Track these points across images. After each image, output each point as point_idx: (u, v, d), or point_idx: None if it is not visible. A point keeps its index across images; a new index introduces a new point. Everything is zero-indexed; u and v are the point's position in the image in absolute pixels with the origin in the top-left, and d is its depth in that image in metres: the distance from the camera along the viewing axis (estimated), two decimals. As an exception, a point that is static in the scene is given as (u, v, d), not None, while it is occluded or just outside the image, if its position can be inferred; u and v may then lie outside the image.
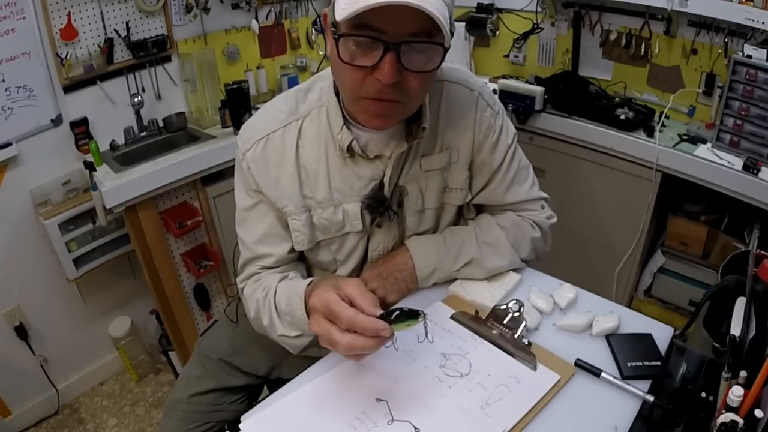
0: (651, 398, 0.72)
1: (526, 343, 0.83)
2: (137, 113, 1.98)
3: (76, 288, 1.98)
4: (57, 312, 1.98)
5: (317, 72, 2.38)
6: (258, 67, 2.28)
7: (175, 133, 2.05)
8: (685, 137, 1.80)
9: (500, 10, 2.29)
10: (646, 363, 0.78)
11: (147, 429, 2.01)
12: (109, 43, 1.85)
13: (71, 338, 2.05)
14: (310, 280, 0.86)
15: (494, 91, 1.68)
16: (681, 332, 0.86)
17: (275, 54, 2.35)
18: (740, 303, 0.77)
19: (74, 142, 1.84)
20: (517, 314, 0.86)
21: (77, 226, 1.84)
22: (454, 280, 0.98)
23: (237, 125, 1.95)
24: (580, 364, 0.79)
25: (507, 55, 2.40)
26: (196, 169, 1.85)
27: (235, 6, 2.14)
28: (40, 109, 1.75)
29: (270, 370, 1.12)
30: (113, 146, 1.94)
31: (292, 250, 0.96)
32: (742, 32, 1.70)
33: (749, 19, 1.58)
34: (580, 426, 0.71)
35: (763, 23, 1.55)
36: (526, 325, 0.85)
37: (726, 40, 1.76)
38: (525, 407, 0.73)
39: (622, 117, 1.88)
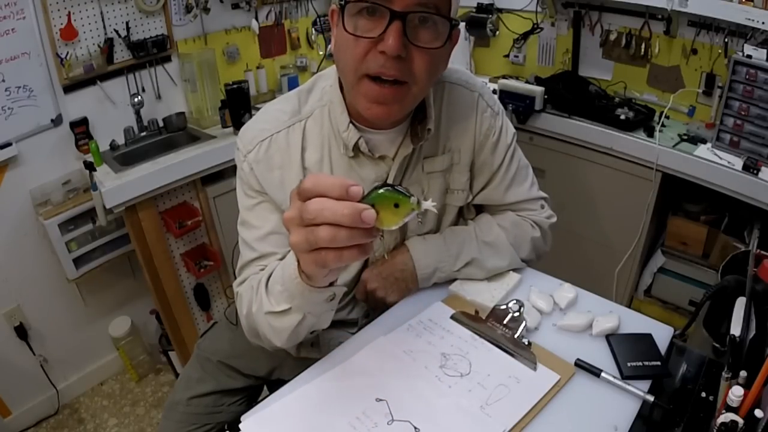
0: (651, 398, 0.72)
1: (526, 343, 0.83)
2: (137, 113, 1.98)
3: (76, 288, 1.98)
4: (57, 312, 1.98)
5: (317, 72, 2.40)
6: (258, 67, 2.28)
7: (175, 133, 2.05)
8: (685, 137, 1.80)
9: (500, 10, 2.29)
10: (646, 363, 0.78)
11: (147, 429, 2.01)
12: (109, 43, 1.85)
13: (71, 338, 2.05)
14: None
15: (494, 91, 1.69)
16: (681, 332, 0.86)
17: (275, 54, 2.35)
18: (740, 303, 0.77)
19: (74, 142, 1.84)
20: (517, 314, 0.86)
21: (77, 226, 1.84)
22: (454, 280, 0.98)
23: (237, 125, 1.95)
24: (580, 364, 0.79)
25: (507, 55, 2.40)
26: (196, 169, 1.85)
27: (235, 6, 2.14)
28: (40, 109, 1.75)
29: (270, 372, 1.12)
30: (113, 146, 1.94)
31: None
32: (742, 32, 1.70)
33: (749, 19, 1.58)
34: (580, 426, 0.71)
35: (763, 23, 1.55)
36: (526, 325, 0.85)
37: (726, 40, 1.76)
38: (525, 407, 0.73)
39: (622, 117, 1.88)
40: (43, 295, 1.92)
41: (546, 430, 0.71)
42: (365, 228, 0.55)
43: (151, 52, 1.95)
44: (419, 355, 0.82)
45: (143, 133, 2.01)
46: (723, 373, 0.68)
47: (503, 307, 0.88)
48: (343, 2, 0.71)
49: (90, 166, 1.75)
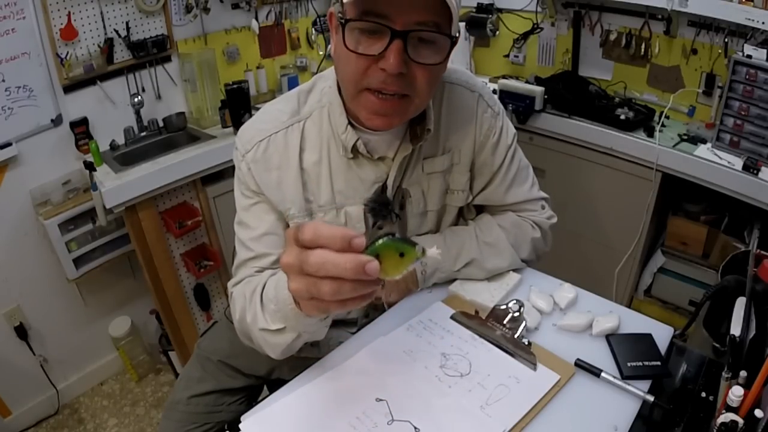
0: (651, 398, 0.72)
1: (526, 343, 0.83)
2: (137, 113, 1.98)
3: (76, 288, 1.97)
4: (57, 312, 1.98)
5: (317, 72, 2.40)
6: (258, 67, 2.28)
7: (175, 133, 2.05)
8: (685, 137, 1.80)
9: (500, 10, 2.29)
10: (646, 363, 0.78)
11: (147, 429, 2.01)
12: (109, 43, 1.85)
13: (71, 338, 2.05)
14: None
15: (494, 91, 1.69)
16: (681, 332, 0.86)
17: (275, 54, 2.35)
18: (740, 303, 0.77)
19: (74, 142, 1.84)
20: (517, 314, 0.86)
21: (77, 226, 1.84)
22: (454, 280, 0.98)
23: (237, 125, 1.95)
24: (580, 364, 0.79)
25: (507, 55, 2.40)
26: (196, 169, 1.85)
27: (235, 6, 2.14)
28: (40, 109, 1.75)
29: (270, 371, 1.12)
30: (113, 146, 1.94)
31: None
32: (742, 32, 1.70)
33: (749, 19, 1.58)
34: (580, 426, 0.71)
35: (763, 23, 1.55)
36: (526, 325, 0.85)
37: (726, 40, 1.76)
38: (525, 407, 0.73)
39: (622, 117, 1.88)
40: (43, 295, 1.92)
41: (546, 430, 0.71)
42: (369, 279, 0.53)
43: (151, 52, 1.95)
44: (419, 355, 0.82)
45: (143, 133, 2.01)
46: (723, 373, 0.68)
47: (503, 307, 0.88)
48: (343, 21, 0.71)
49: (90, 166, 1.75)
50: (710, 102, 1.87)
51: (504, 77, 2.26)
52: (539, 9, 2.19)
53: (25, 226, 1.81)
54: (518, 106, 2.03)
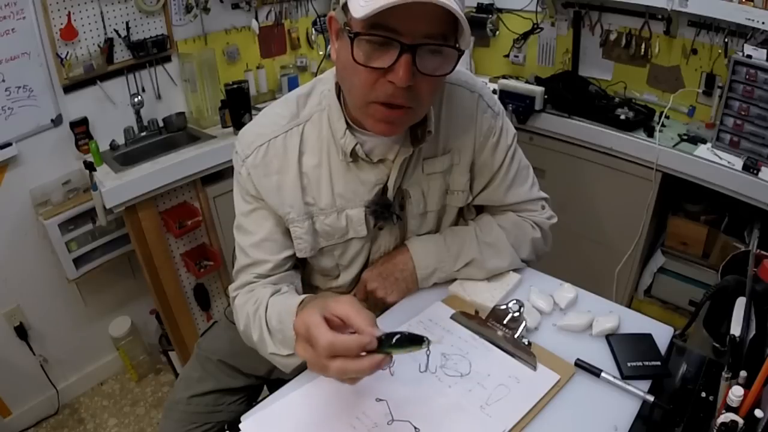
0: (651, 398, 0.72)
1: (526, 343, 0.83)
2: (137, 113, 1.98)
3: (76, 288, 1.97)
4: (57, 312, 1.98)
5: (317, 72, 2.40)
6: (258, 67, 2.28)
7: (175, 133, 2.05)
8: (685, 137, 1.80)
9: (500, 10, 2.29)
10: (646, 363, 0.78)
11: (147, 429, 2.01)
12: (109, 43, 1.85)
13: (71, 338, 2.05)
14: (302, 297, 0.81)
15: (494, 91, 1.69)
16: (681, 332, 0.86)
17: (275, 54, 2.35)
18: (740, 303, 0.77)
19: (74, 142, 1.84)
20: (517, 314, 0.86)
21: (77, 226, 1.84)
22: (454, 280, 0.98)
23: (237, 125, 1.95)
24: (580, 364, 0.79)
25: (507, 55, 2.40)
26: (196, 169, 1.85)
27: (235, 6, 2.14)
28: (40, 109, 1.75)
29: (270, 371, 1.12)
30: (113, 146, 1.94)
31: (290, 258, 0.94)
32: (742, 32, 1.70)
33: (749, 19, 1.58)
34: (580, 426, 0.71)
35: (763, 23, 1.55)
36: (526, 325, 0.85)
37: (726, 40, 1.76)
38: (525, 407, 0.73)
39: (622, 117, 1.88)
40: (43, 295, 1.92)
41: (546, 430, 0.71)
42: None
43: (151, 52, 1.95)
44: (419, 355, 0.82)
45: (143, 133, 2.01)
46: (723, 373, 0.68)
47: (503, 307, 0.88)
48: (352, 35, 0.70)
49: (90, 166, 1.75)
50: (710, 102, 1.87)
51: (504, 77, 2.26)
52: (539, 9, 2.18)
53: (25, 226, 1.81)
54: (518, 106, 2.03)
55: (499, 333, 0.84)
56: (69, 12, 1.73)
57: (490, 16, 2.20)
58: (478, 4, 2.27)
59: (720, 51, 1.80)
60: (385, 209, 0.92)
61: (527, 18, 2.24)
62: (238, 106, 1.95)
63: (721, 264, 1.12)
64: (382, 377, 0.78)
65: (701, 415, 0.72)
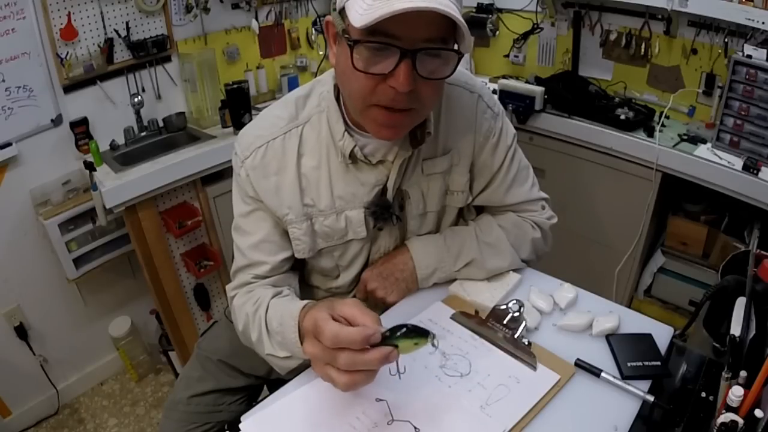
0: (651, 398, 0.72)
1: (526, 343, 0.83)
2: (137, 113, 1.98)
3: (76, 288, 1.98)
4: (57, 312, 1.98)
5: (317, 72, 2.40)
6: (258, 67, 2.28)
7: (175, 133, 2.05)
8: (685, 137, 1.80)
9: (500, 10, 2.29)
10: (646, 363, 0.78)
11: (147, 429, 2.01)
12: (109, 43, 1.85)
13: (71, 338, 2.05)
14: (305, 303, 0.80)
15: (494, 92, 1.69)
16: (681, 332, 0.86)
17: (275, 54, 2.35)
18: (740, 303, 0.77)
19: (74, 142, 1.84)
20: (517, 314, 0.86)
21: (77, 226, 1.84)
22: (454, 280, 0.98)
23: (237, 125, 1.95)
24: (580, 364, 0.79)
25: (507, 55, 2.40)
26: (196, 169, 1.85)
27: (235, 6, 2.14)
28: (40, 109, 1.75)
29: (270, 371, 1.11)
30: (113, 146, 1.94)
31: (288, 260, 0.94)
32: (742, 32, 1.70)
33: (749, 19, 1.58)
34: (580, 426, 0.71)
35: (763, 23, 1.55)
36: (526, 325, 0.85)
37: (726, 40, 1.76)
38: (525, 407, 0.73)
39: (622, 117, 1.88)
40: (43, 295, 1.92)
41: (546, 430, 0.71)
42: None
43: (151, 52, 1.95)
44: (419, 355, 0.82)
45: (143, 133, 2.01)
46: (723, 373, 0.68)
47: (503, 307, 0.88)
48: (351, 42, 0.70)
49: (90, 166, 1.75)
50: (710, 102, 1.87)
51: (504, 77, 2.26)
52: (539, 9, 2.18)
53: (25, 226, 1.81)
54: (518, 106, 2.03)
55: (499, 333, 0.84)
56: (69, 12, 1.73)
57: (490, 16, 2.20)
58: (478, 4, 2.27)
59: (720, 51, 1.80)
60: (385, 210, 0.92)
61: (527, 18, 2.24)
62: (238, 106, 1.95)
63: (721, 264, 1.12)
64: (382, 376, 0.78)
65: (701, 415, 0.72)
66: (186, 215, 1.90)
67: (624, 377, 0.77)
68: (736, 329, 0.73)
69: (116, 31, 1.86)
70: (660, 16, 1.89)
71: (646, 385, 0.76)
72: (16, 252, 1.81)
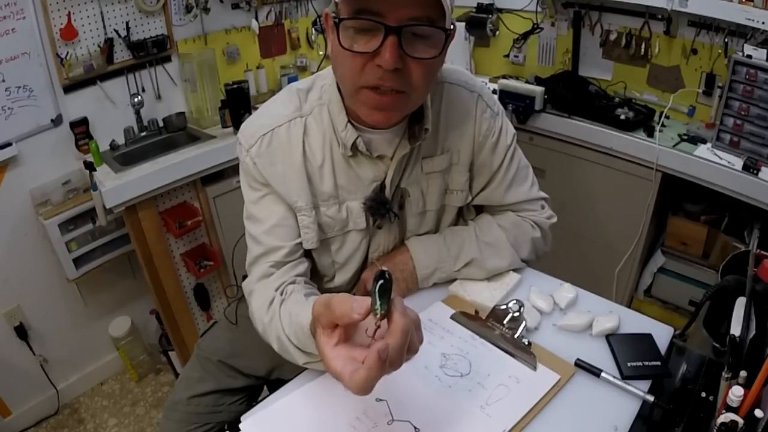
0: (651, 398, 0.72)
1: (526, 343, 0.83)
2: (137, 113, 1.98)
3: (76, 288, 1.98)
4: (57, 312, 1.98)
5: (317, 72, 2.40)
6: (258, 67, 2.28)
7: (175, 133, 2.05)
8: (685, 137, 1.80)
9: (500, 10, 2.29)
10: (646, 363, 0.78)
11: (147, 429, 2.01)
12: (109, 43, 1.85)
13: (71, 338, 2.05)
14: (310, 318, 0.71)
15: (494, 91, 1.69)
16: (681, 332, 0.86)
17: (275, 54, 2.35)
18: (740, 303, 0.77)
19: (74, 142, 1.84)
20: (517, 314, 0.86)
21: (77, 226, 1.84)
22: (454, 280, 0.98)
23: (237, 125, 1.95)
24: (580, 364, 0.79)
25: (507, 55, 2.40)
26: (196, 169, 1.85)
27: (235, 6, 2.14)
28: (40, 109, 1.75)
29: (270, 371, 1.12)
30: (113, 146, 1.94)
31: (301, 244, 0.92)
32: (742, 32, 1.70)
33: (749, 19, 1.58)
34: (580, 426, 0.71)
35: (763, 23, 1.55)
36: (526, 325, 0.85)
37: (726, 40, 1.76)
38: (525, 407, 0.73)
39: (622, 117, 1.88)
40: (43, 295, 1.92)
41: (546, 430, 0.71)
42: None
43: (151, 52, 1.95)
44: (419, 355, 0.81)
45: (143, 133, 2.01)
46: (723, 373, 0.68)
47: (503, 307, 0.88)
48: (337, 20, 0.71)
49: (90, 166, 1.75)
50: (710, 102, 1.87)
51: (504, 77, 2.26)
52: (539, 9, 2.18)
53: (25, 226, 1.81)
54: (518, 106, 2.03)
55: (499, 333, 0.84)
56: (69, 12, 1.73)
57: (490, 16, 2.20)
58: (478, 4, 2.26)
59: (720, 51, 1.80)
60: (382, 206, 0.92)
61: (527, 18, 2.24)
62: (238, 106, 1.95)
63: (721, 264, 1.12)
64: (383, 377, 0.78)
65: (701, 415, 0.72)
66: (186, 215, 1.90)
67: (624, 377, 0.77)
68: (736, 329, 0.73)
69: (116, 31, 1.86)
70: (660, 16, 1.88)
71: (646, 385, 0.76)
72: (16, 252, 1.81)
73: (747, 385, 0.63)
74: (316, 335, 0.67)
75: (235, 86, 1.93)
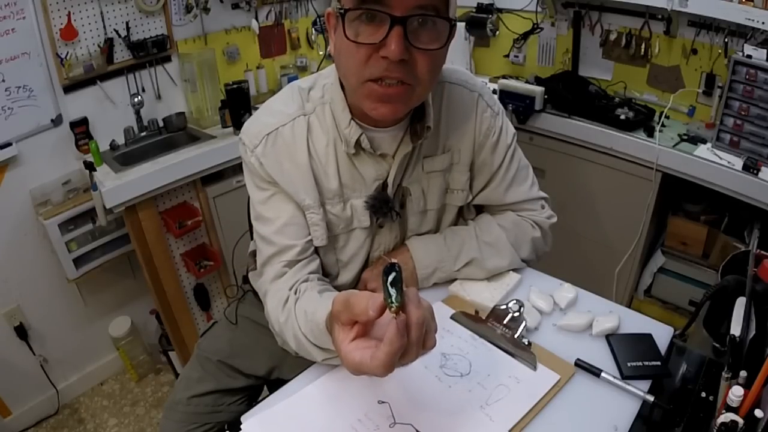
0: (651, 398, 0.72)
1: (526, 343, 0.83)
2: (137, 113, 1.98)
3: (76, 288, 1.98)
4: (57, 312, 1.98)
5: (318, 71, 2.40)
6: (258, 67, 2.28)
7: (175, 133, 2.05)
8: (685, 137, 1.80)
9: (500, 10, 2.29)
10: (646, 363, 0.78)
11: (147, 429, 2.01)
12: (109, 43, 1.85)
13: (71, 338, 2.05)
14: (326, 313, 0.71)
15: (494, 91, 1.69)
16: (681, 332, 0.86)
17: (275, 54, 2.35)
18: (740, 303, 0.77)
19: (74, 142, 1.84)
20: (517, 314, 0.86)
21: (77, 226, 1.84)
22: (454, 280, 0.98)
23: (237, 125, 1.95)
24: (580, 364, 0.79)
25: (507, 55, 2.40)
26: (196, 169, 1.85)
27: (235, 6, 2.14)
28: (40, 109, 1.75)
29: (270, 371, 1.12)
30: (113, 146, 1.94)
31: (311, 242, 0.91)
32: (742, 32, 1.70)
33: (749, 19, 1.58)
34: (580, 426, 0.71)
35: (763, 23, 1.55)
36: (526, 325, 0.85)
37: (726, 40, 1.76)
38: (525, 407, 0.73)
39: (622, 117, 1.88)
40: (43, 295, 1.92)
41: (546, 430, 0.71)
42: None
43: (151, 52, 1.95)
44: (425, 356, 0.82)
45: (143, 133, 2.01)
46: (723, 373, 0.68)
47: (503, 307, 0.88)
48: (342, 11, 0.71)
49: (90, 166, 1.75)
50: (710, 102, 1.87)
51: (504, 77, 2.26)
52: (539, 9, 2.18)
53: (25, 226, 1.80)
54: (518, 106, 2.03)
55: (499, 333, 0.84)
56: (69, 12, 1.73)
57: (490, 16, 2.20)
58: (478, 4, 2.26)
59: (720, 51, 1.80)
60: (384, 204, 0.92)
61: (527, 18, 2.24)
62: (238, 106, 1.94)
63: (721, 264, 1.12)
64: (383, 378, 0.78)
65: (701, 415, 0.72)
66: (186, 215, 1.90)
67: (624, 377, 0.77)
68: (736, 329, 0.73)
69: (116, 31, 1.86)
70: (660, 16, 1.88)
71: (646, 385, 0.76)
72: (16, 252, 1.81)
73: (747, 385, 0.63)
74: (332, 331, 0.66)
75: (235, 86, 1.93)
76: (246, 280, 1.17)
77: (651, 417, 0.73)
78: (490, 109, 0.96)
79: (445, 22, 0.73)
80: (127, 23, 1.87)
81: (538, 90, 1.99)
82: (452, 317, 0.90)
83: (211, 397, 1.09)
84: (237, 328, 1.16)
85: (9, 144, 1.68)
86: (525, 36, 2.27)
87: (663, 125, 1.87)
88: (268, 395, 0.82)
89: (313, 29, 2.42)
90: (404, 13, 0.69)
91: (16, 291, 1.85)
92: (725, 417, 0.61)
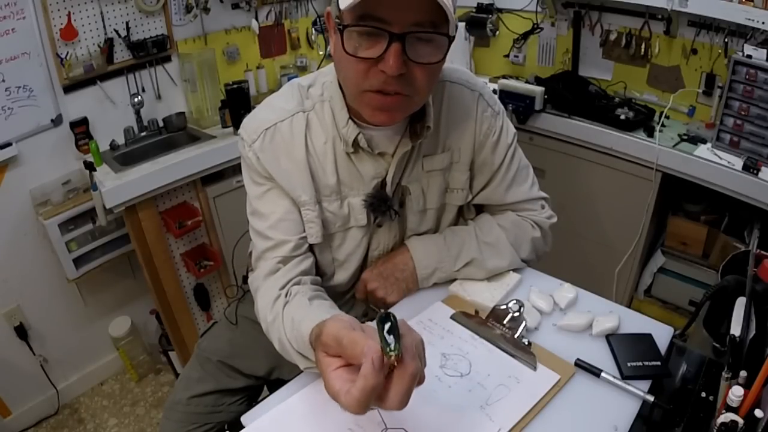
0: (651, 398, 0.72)
1: (526, 343, 0.83)
2: (137, 113, 1.98)
3: (76, 288, 1.98)
4: (57, 312, 1.98)
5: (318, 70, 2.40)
6: (258, 67, 2.28)
7: (175, 133, 2.05)
8: (685, 137, 1.80)
9: (500, 10, 2.29)
10: (646, 363, 0.78)
11: (147, 429, 2.01)
12: (109, 43, 1.85)
13: (71, 338, 2.05)
14: (312, 326, 0.70)
15: (494, 91, 1.68)
16: (681, 332, 0.86)
17: (275, 54, 2.35)
18: (740, 303, 0.77)
19: (74, 142, 1.84)
20: (517, 314, 0.86)
21: (77, 226, 1.84)
22: (454, 280, 0.98)
23: (237, 125, 1.92)
24: (580, 364, 0.79)
25: (507, 55, 2.40)
26: (196, 169, 1.85)
27: (235, 6, 2.14)
28: (40, 109, 1.75)
29: (270, 372, 1.12)
30: (113, 146, 1.94)
31: (306, 238, 0.91)
32: (742, 32, 1.70)
33: (749, 19, 1.58)
34: (580, 426, 0.71)
35: (763, 23, 1.55)
36: (526, 325, 0.85)
37: (726, 40, 1.76)
38: (525, 407, 0.73)
39: (622, 117, 1.88)
40: (43, 295, 1.92)
41: (546, 430, 0.71)
42: None
43: (151, 52, 1.95)
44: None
45: (143, 133, 2.01)
46: (723, 373, 0.68)
47: (503, 307, 0.88)
48: (341, 27, 0.71)
49: (90, 166, 1.75)
50: (710, 102, 1.87)
51: (504, 77, 2.26)
52: (539, 9, 2.18)
53: (25, 226, 1.80)
54: (518, 106, 2.03)
55: (499, 333, 0.84)
56: (69, 12, 1.73)
57: (490, 16, 2.20)
58: (478, 4, 2.27)
59: (720, 51, 1.80)
60: (382, 203, 0.92)
61: (527, 18, 2.24)
62: (238, 106, 1.95)
63: (721, 264, 1.12)
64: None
65: (701, 415, 0.72)
66: (186, 215, 1.90)
67: (624, 377, 0.77)
68: (736, 329, 0.73)
69: (116, 31, 1.86)
70: (660, 16, 1.89)
71: (646, 385, 0.76)
72: (16, 252, 1.81)
73: (747, 385, 0.63)
74: (316, 350, 0.66)
75: (235, 86, 1.93)
76: (246, 280, 1.17)
77: (651, 417, 0.73)
78: (490, 108, 0.96)
79: (443, 37, 0.73)
80: (127, 23, 1.87)
81: (538, 90, 1.99)
82: (452, 317, 0.90)
83: (211, 397, 1.09)
84: (237, 328, 1.16)
85: (9, 144, 1.68)
86: (525, 36, 2.27)
87: (663, 125, 1.87)
88: (268, 395, 0.82)
89: (313, 29, 2.42)
90: (403, 30, 0.69)
91: (16, 291, 1.85)
92: (725, 417, 0.61)
